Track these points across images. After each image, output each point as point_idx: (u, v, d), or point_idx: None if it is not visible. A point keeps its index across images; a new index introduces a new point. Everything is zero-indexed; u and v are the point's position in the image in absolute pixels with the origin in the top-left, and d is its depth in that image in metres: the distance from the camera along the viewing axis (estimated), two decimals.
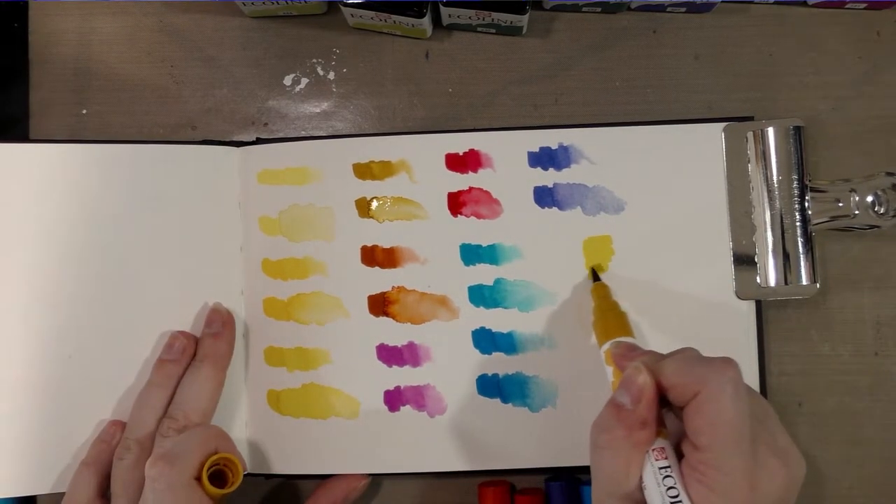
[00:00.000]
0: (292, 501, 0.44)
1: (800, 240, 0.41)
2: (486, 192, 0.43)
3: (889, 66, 0.44)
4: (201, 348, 0.41)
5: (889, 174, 0.41)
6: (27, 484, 0.41)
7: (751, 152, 0.42)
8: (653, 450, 0.30)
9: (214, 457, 0.38)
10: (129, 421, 0.40)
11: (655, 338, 0.41)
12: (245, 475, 0.43)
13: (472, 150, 0.43)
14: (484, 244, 0.42)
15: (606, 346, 0.37)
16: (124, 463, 0.38)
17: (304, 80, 0.46)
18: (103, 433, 0.40)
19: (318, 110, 0.46)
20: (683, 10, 0.44)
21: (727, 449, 0.29)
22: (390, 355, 0.42)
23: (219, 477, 0.38)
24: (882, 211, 0.41)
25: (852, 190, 0.41)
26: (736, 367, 0.30)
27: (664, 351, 0.41)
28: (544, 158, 0.43)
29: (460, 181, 0.43)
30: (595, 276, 0.41)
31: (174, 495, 0.36)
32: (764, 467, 0.29)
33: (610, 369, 0.36)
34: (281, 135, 0.45)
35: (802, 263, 0.41)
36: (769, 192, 0.41)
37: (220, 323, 0.42)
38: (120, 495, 0.38)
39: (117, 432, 0.40)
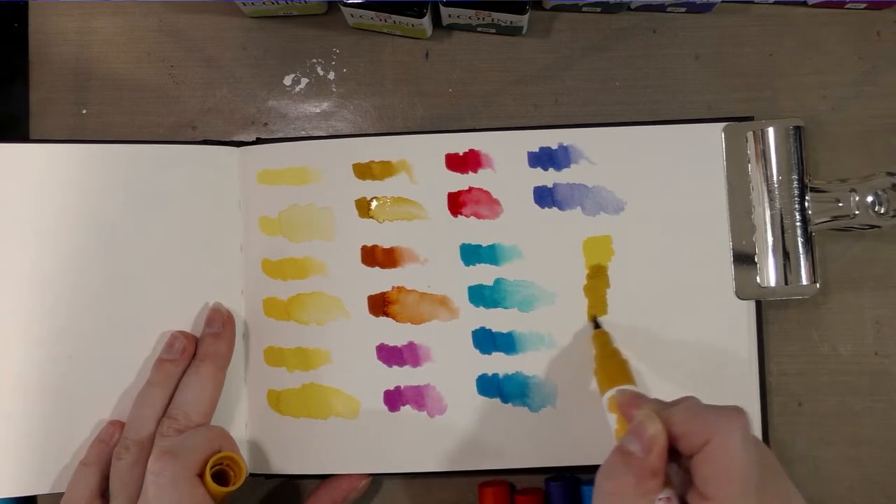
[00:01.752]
0: (292, 501, 0.44)
1: (800, 240, 0.41)
2: (486, 192, 0.43)
3: (889, 66, 0.44)
4: (201, 348, 0.41)
5: (889, 174, 0.41)
6: (27, 484, 0.41)
7: (751, 152, 0.42)
8: (659, 499, 0.30)
9: (218, 455, 0.38)
10: (129, 421, 0.40)
11: (655, 339, 0.41)
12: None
13: (472, 150, 0.43)
14: (484, 244, 0.42)
15: (610, 393, 0.36)
16: (123, 462, 0.38)
17: (304, 80, 0.46)
18: (102, 433, 0.40)
19: (318, 110, 0.46)
20: (683, 10, 0.44)
21: (736, 499, 0.28)
22: (390, 355, 0.42)
23: (221, 477, 0.38)
24: (882, 211, 0.41)
25: (852, 190, 0.41)
26: (745, 416, 0.30)
27: (663, 356, 0.41)
28: (544, 158, 0.43)
29: (460, 181, 0.43)
30: (596, 323, 0.41)
31: (177, 490, 0.36)
32: None
33: (613, 417, 0.35)
34: (281, 135, 0.45)
35: (802, 263, 0.41)
36: (769, 192, 0.41)
37: (220, 322, 0.42)
38: (118, 495, 0.38)
39: (116, 432, 0.40)
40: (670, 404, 0.32)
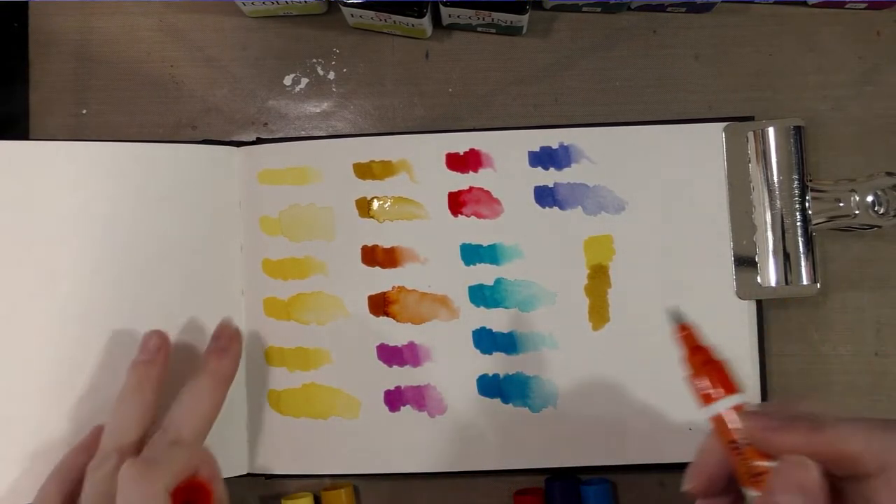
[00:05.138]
0: None
1: (800, 240, 0.41)
2: (487, 192, 0.43)
3: (889, 66, 0.44)
4: (205, 362, 0.39)
5: (889, 174, 0.41)
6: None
7: (751, 152, 0.42)
8: None
9: (188, 479, 0.34)
10: (107, 428, 0.36)
11: (656, 338, 0.41)
12: (245, 475, 0.43)
13: (472, 150, 0.43)
14: (484, 244, 0.42)
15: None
16: (101, 472, 0.34)
17: (304, 80, 0.46)
18: (84, 440, 0.38)
19: (318, 110, 0.46)
20: (683, 10, 0.44)
21: None
22: (390, 355, 0.42)
23: None
24: (882, 211, 0.41)
25: (852, 190, 0.41)
26: None
27: (664, 357, 0.41)
28: (545, 158, 0.43)
29: (461, 181, 0.43)
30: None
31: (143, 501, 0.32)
32: None
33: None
34: (281, 135, 0.45)
35: (803, 263, 0.41)
36: (770, 192, 0.41)
37: (227, 338, 0.40)
38: None
39: (96, 440, 0.37)
40: (828, 422, 0.27)
